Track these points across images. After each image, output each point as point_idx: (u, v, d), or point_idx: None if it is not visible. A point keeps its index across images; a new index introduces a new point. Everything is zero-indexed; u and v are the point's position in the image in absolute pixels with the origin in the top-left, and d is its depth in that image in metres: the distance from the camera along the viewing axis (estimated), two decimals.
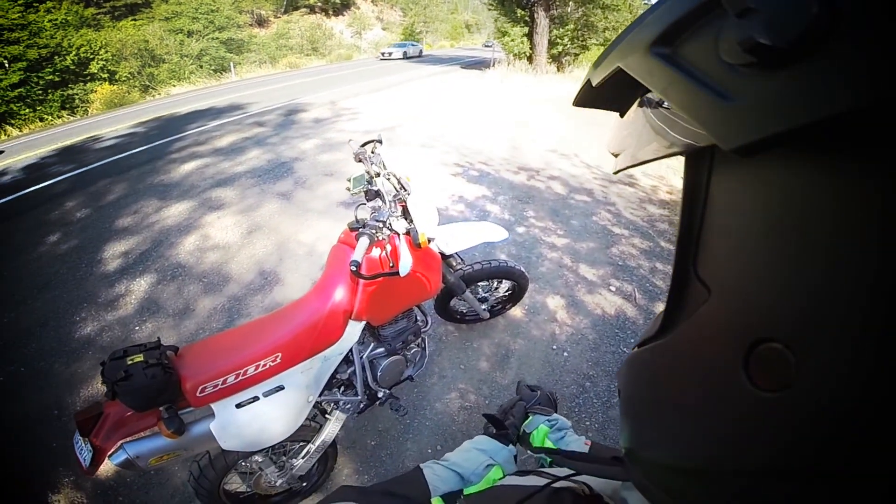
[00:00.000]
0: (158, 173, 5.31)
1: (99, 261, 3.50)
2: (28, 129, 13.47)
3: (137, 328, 2.72)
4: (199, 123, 8.12)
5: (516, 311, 2.61)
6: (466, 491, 0.66)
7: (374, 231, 1.22)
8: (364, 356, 1.56)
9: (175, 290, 3.06)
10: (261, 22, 28.02)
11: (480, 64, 15.53)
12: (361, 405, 1.61)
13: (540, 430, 0.86)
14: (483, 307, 2.21)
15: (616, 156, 0.34)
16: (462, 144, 5.84)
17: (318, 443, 1.51)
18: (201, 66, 19.83)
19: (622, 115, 0.33)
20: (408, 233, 1.40)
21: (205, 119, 8.51)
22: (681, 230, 0.26)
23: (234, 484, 1.52)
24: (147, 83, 18.20)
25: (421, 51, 26.23)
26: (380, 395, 1.64)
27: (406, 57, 23.54)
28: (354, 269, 1.07)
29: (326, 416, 1.55)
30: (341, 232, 1.57)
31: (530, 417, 0.92)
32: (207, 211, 4.16)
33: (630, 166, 0.31)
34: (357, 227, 1.30)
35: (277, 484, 1.50)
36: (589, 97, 0.32)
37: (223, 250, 3.51)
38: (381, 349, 1.60)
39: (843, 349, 0.16)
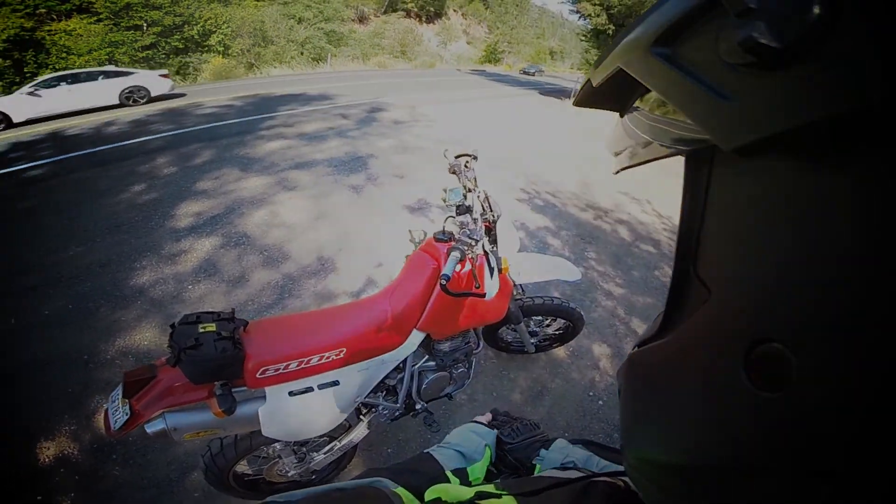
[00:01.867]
0: (245, 146, 5.70)
1: (172, 216, 3.79)
2: None
3: (191, 287, 2.89)
4: (290, 106, 8.68)
5: (560, 351, 2.52)
6: (473, 470, 0.66)
7: (465, 247, 1.18)
8: (415, 367, 1.55)
9: (235, 257, 3.24)
10: (362, 18, 29.60)
11: (560, 92, 15.35)
12: (397, 413, 1.60)
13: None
14: (531, 341, 2.16)
15: (616, 155, 0.34)
16: (531, 171, 5.78)
17: (344, 441, 1.51)
18: (302, 53, 21.15)
19: (622, 115, 0.33)
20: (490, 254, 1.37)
21: (296, 103, 9.08)
22: (681, 230, 0.26)
23: (243, 466, 1.48)
24: (252, 61, 19.72)
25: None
26: (417, 406, 1.62)
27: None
28: (444, 282, 1.04)
29: (360, 416, 1.54)
30: (409, 237, 1.55)
31: (541, 456, 0.76)
32: (282, 190, 4.40)
33: (630, 166, 0.30)
34: (444, 239, 1.27)
35: (290, 474, 1.48)
36: (590, 97, 0.32)
37: (288, 229, 3.68)
38: (433, 363, 1.59)
39: (843, 349, 0.15)
